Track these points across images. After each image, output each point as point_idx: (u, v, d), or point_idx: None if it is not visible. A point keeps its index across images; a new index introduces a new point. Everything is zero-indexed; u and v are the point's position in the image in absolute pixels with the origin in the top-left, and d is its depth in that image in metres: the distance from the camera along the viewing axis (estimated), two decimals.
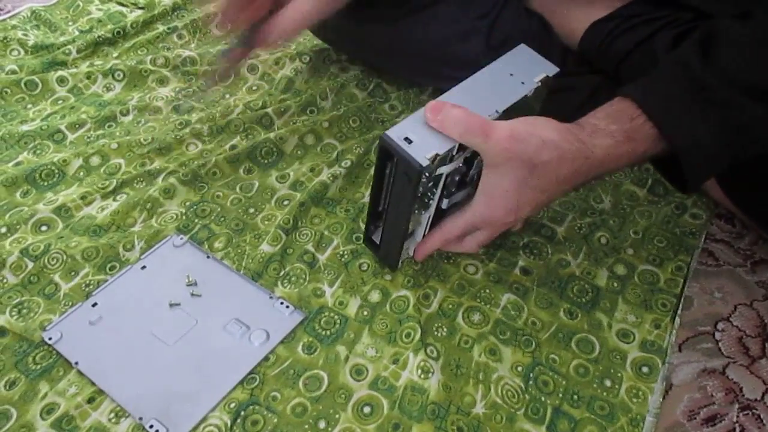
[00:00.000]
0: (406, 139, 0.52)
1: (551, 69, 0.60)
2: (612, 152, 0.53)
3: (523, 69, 0.59)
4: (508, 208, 0.55)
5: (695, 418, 0.56)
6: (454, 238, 0.60)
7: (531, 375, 0.59)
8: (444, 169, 0.55)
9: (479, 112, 0.54)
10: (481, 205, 0.56)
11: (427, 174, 0.53)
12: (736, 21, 0.54)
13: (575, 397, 0.57)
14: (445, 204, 0.62)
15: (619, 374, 0.59)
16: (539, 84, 0.58)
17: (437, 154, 0.52)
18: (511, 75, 0.58)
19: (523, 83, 0.58)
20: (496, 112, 0.56)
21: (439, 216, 0.62)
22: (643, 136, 0.53)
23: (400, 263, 0.67)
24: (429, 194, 0.58)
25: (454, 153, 0.54)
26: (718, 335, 0.63)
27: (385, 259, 0.67)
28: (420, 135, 0.52)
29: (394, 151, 0.53)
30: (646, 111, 0.53)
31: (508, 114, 0.56)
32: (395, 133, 0.53)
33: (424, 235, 0.65)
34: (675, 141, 0.53)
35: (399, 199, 0.58)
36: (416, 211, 0.60)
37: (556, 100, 0.60)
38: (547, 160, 0.51)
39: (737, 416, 0.57)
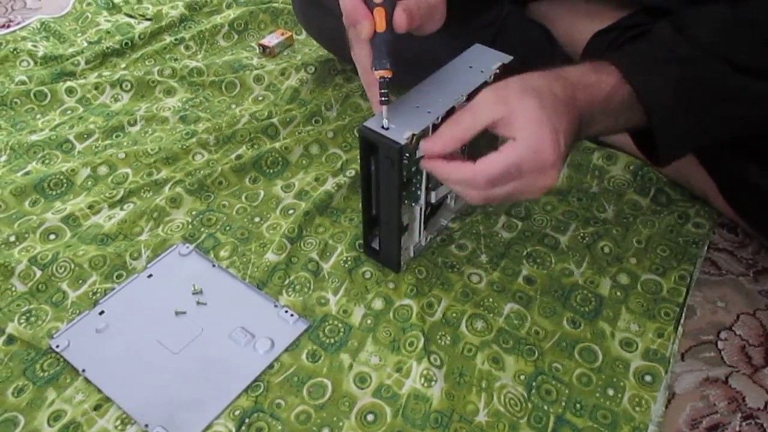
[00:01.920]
0: (383, 127, 0.56)
1: (506, 58, 0.65)
2: (582, 78, 0.55)
3: (480, 61, 0.65)
4: (552, 137, 0.51)
5: (698, 427, 0.56)
6: (486, 182, 0.53)
7: (534, 384, 0.59)
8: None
9: (447, 99, 0.59)
10: (518, 146, 0.51)
11: (407, 154, 0.56)
12: (710, 5, 0.57)
13: (578, 405, 0.57)
14: (433, 198, 0.64)
15: (622, 383, 0.59)
16: (497, 71, 0.64)
17: (413, 134, 0.55)
18: (471, 67, 0.64)
19: (482, 72, 0.63)
20: (462, 96, 0.60)
21: (433, 211, 0.66)
22: (607, 70, 0.55)
23: (403, 264, 0.68)
24: (415, 182, 0.61)
25: (430, 134, 0.57)
26: (720, 344, 0.63)
27: (387, 263, 0.68)
28: (396, 121, 0.56)
29: (374, 138, 0.56)
30: (610, 58, 0.56)
31: (473, 100, 0.61)
32: (372, 123, 0.57)
33: (420, 232, 0.66)
34: (634, 81, 0.54)
35: (387, 189, 0.60)
36: (406, 202, 0.62)
37: None
38: (537, 84, 0.53)
39: (740, 425, 0.57)
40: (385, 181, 0.59)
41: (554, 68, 0.56)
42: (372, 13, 0.53)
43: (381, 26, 0.53)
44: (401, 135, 0.55)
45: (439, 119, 0.58)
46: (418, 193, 0.63)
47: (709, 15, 0.56)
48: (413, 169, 0.59)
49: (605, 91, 0.55)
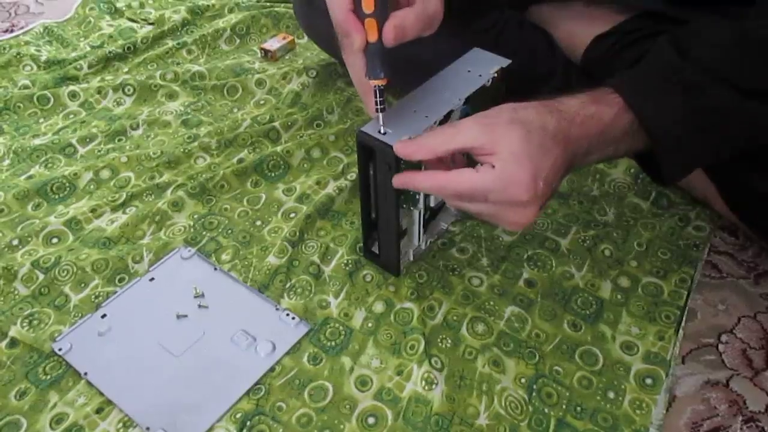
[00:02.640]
0: (380, 131, 0.56)
1: (504, 62, 0.65)
2: (580, 111, 0.53)
3: (479, 65, 0.65)
4: (529, 173, 0.50)
5: (699, 430, 0.56)
6: (453, 194, 0.54)
7: (534, 387, 0.59)
8: None
9: (444, 103, 0.59)
10: (493, 175, 0.51)
11: (403, 159, 0.56)
12: (709, 24, 0.56)
13: (578, 408, 0.58)
14: (432, 201, 0.65)
15: (623, 386, 0.59)
16: (495, 75, 0.63)
17: (410, 137, 0.55)
18: (469, 71, 0.64)
19: (480, 76, 0.63)
20: (459, 100, 0.60)
21: (433, 215, 0.66)
22: (608, 100, 0.54)
23: (402, 267, 0.68)
24: None
25: None
26: (721, 347, 0.63)
27: (387, 266, 0.68)
28: (393, 125, 0.56)
29: (371, 143, 0.57)
30: (612, 85, 0.55)
31: (471, 103, 0.61)
32: (370, 128, 0.57)
33: (419, 236, 0.66)
34: (639, 110, 0.53)
35: (384, 194, 0.60)
36: (405, 207, 0.62)
37: None
38: (528, 117, 0.52)
39: (741, 428, 0.57)
40: (383, 185, 0.60)
41: (551, 99, 0.55)
42: (363, 24, 0.52)
43: (373, 37, 0.52)
44: (398, 138, 0.56)
45: (437, 123, 0.58)
46: (417, 197, 0.63)
47: (711, 35, 0.55)
48: None
49: (605, 122, 0.54)
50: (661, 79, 0.54)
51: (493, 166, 0.51)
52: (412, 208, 0.64)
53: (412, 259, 0.69)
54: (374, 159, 0.58)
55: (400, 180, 0.56)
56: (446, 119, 0.58)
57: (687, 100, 0.53)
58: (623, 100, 0.54)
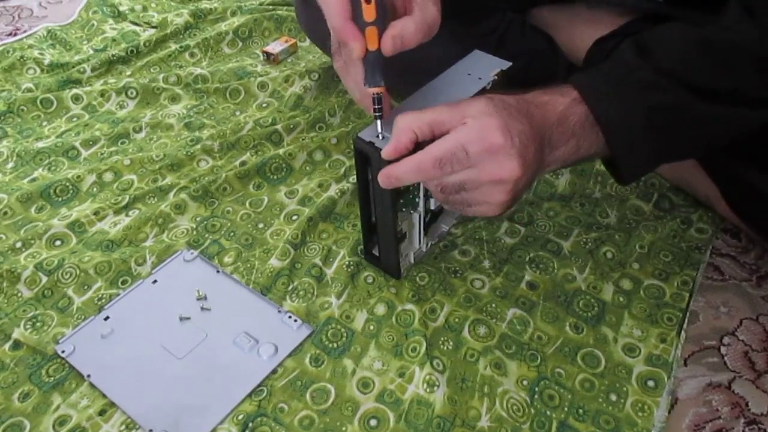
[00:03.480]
0: (378, 136, 0.56)
1: (505, 64, 0.65)
2: (535, 99, 0.54)
3: (479, 67, 0.65)
4: (502, 127, 0.50)
5: None
6: (433, 162, 0.52)
7: (536, 389, 0.59)
8: None
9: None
10: (464, 129, 0.51)
11: None
12: (678, 23, 0.56)
13: (581, 411, 0.58)
14: (432, 204, 0.65)
15: (625, 388, 0.59)
16: (495, 77, 0.63)
17: None
18: (469, 74, 0.64)
19: (480, 78, 0.63)
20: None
21: (433, 217, 0.66)
22: (561, 91, 0.55)
23: (403, 270, 0.68)
24: (412, 189, 0.61)
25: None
26: (723, 349, 0.63)
27: (387, 269, 0.68)
28: (390, 131, 0.56)
29: (368, 149, 0.56)
30: (570, 80, 0.56)
31: None
32: (367, 133, 0.57)
33: (420, 239, 0.66)
34: (589, 101, 0.54)
35: (381, 199, 0.60)
36: (404, 210, 0.62)
37: None
38: (489, 96, 0.53)
39: (743, 431, 0.57)
40: (379, 190, 0.59)
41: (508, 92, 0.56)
42: (363, 32, 0.52)
43: (373, 45, 0.52)
44: None
45: None
46: (416, 200, 0.63)
47: (673, 36, 0.55)
48: None
49: (558, 110, 0.54)
50: (616, 76, 0.54)
51: (466, 124, 0.51)
52: (412, 211, 0.64)
53: (413, 261, 0.69)
54: (370, 164, 0.58)
55: (383, 177, 0.55)
56: None
57: (640, 98, 0.53)
58: (577, 92, 0.54)
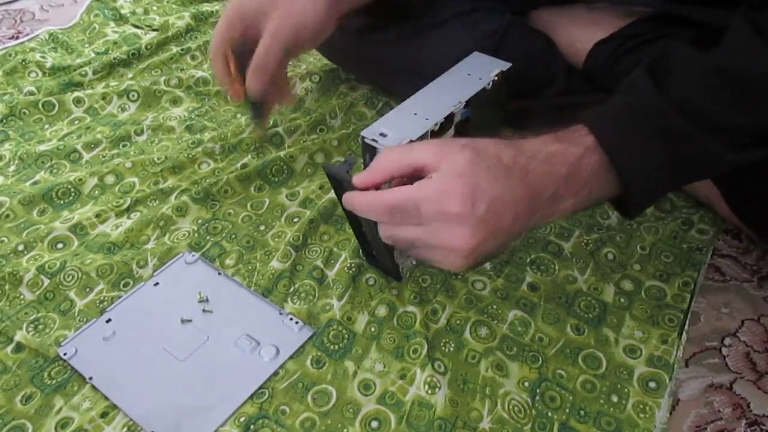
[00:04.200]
0: (381, 134, 0.57)
1: (504, 65, 0.66)
2: (542, 148, 0.50)
3: (479, 68, 0.65)
4: (463, 191, 0.46)
5: None
6: (384, 208, 0.49)
7: (537, 390, 0.59)
8: None
9: (444, 106, 0.59)
10: (425, 185, 0.48)
11: None
12: (687, 46, 0.53)
13: (582, 412, 0.58)
14: None
15: (626, 390, 0.59)
16: (496, 78, 0.64)
17: (410, 140, 0.56)
18: (469, 75, 0.65)
19: (480, 79, 0.64)
20: (460, 102, 0.61)
21: None
22: (573, 139, 0.51)
23: (404, 272, 0.68)
24: None
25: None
26: (725, 350, 0.63)
27: (387, 272, 0.68)
28: (393, 128, 0.57)
29: (340, 174, 0.54)
30: (583, 120, 0.52)
31: (472, 107, 0.62)
32: (370, 131, 0.57)
33: None
34: (613, 153, 0.51)
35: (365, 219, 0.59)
36: None
37: (560, 119, 0.61)
38: (484, 145, 0.49)
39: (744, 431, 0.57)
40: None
41: (515, 139, 0.52)
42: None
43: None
44: (398, 141, 0.55)
45: (437, 125, 0.58)
46: None
47: (688, 66, 0.52)
48: None
49: (569, 161, 0.50)
50: (638, 120, 0.51)
51: (431, 178, 0.48)
52: None
53: (414, 263, 0.69)
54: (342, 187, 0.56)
55: (345, 200, 0.53)
56: (447, 122, 0.58)
57: (667, 148, 0.50)
58: (594, 138, 0.51)
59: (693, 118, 0.50)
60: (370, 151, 0.58)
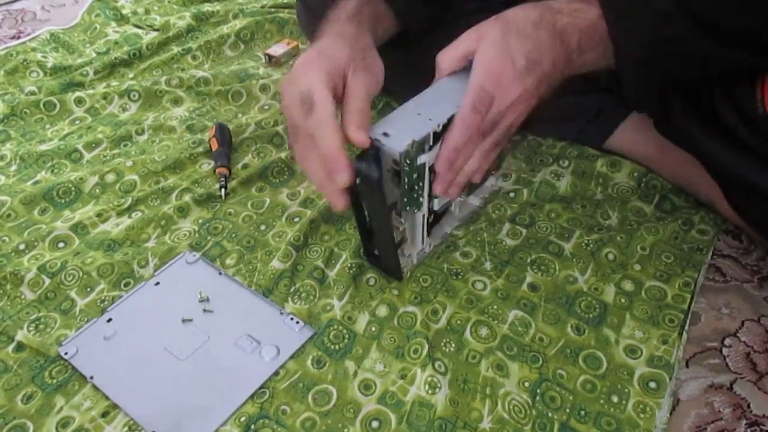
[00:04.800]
0: (384, 134, 0.56)
1: None
2: (567, 6, 0.58)
3: None
4: (503, 58, 0.55)
5: None
6: (471, 122, 0.56)
7: (538, 391, 0.59)
8: (424, 158, 0.57)
9: (448, 106, 0.58)
10: (477, 71, 0.56)
11: (407, 161, 0.55)
12: None
13: (582, 412, 0.58)
14: (436, 205, 0.64)
15: (627, 390, 0.59)
16: None
17: (414, 140, 0.55)
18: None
19: None
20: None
21: (436, 218, 0.66)
22: (592, 2, 0.58)
23: (405, 271, 0.68)
24: (417, 189, 0.60)
25: (431, 143, 0.57)
26: (725, 351, 0.63)
27: (389, 271, 0.68)
28: (396, 128, 0.56)
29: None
30: None
31: None
32: (373, 131, 0.57)
33: (423, 239, 0.66)
34: (610, 23, 0.57)
35: (374, 211, 0.60)
36: (408, 208, 0.62)
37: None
38: (513, 12, 0.58)
39: None
40: (371, 206, 0.60)
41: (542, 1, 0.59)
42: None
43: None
44: (402, 141, 0.55)
45: (440, 126, 0.58)
46: (420, 199, 0.62)
47: None
48: (415, 176, 0.59)
49: (590, 18, 0.57)
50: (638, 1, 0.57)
51: (475, 59, 0.56)
52: (416, 210, 0.64)
53: (415, 262, 0.69)
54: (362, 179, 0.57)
55: (438, 189, 0.60)
56: (450, 122, 0.58)
57: (656, 27, 0.56)
58: (601, 9, 0.58)
59: (680, 4, 0.55)
60: (373, 151, 0.58)
